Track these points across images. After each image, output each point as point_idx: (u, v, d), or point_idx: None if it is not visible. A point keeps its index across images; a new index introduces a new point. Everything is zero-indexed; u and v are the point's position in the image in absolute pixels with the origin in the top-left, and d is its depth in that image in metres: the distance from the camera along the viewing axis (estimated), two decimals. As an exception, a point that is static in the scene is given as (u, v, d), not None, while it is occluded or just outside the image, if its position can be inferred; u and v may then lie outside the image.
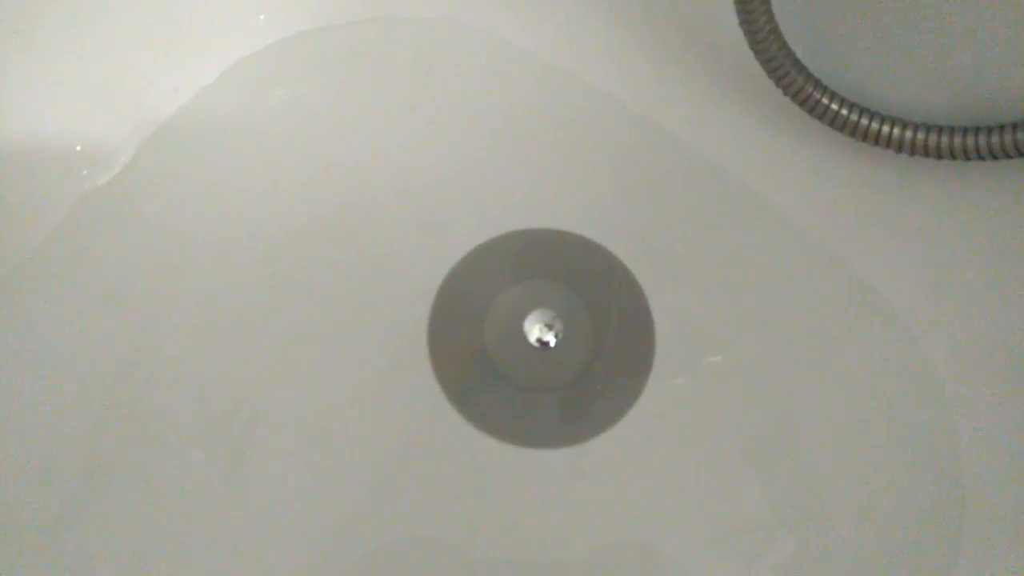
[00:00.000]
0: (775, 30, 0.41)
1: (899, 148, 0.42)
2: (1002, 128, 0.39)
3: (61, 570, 0.43)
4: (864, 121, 0.42)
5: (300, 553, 0.44)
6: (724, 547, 0.45)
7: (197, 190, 0.50)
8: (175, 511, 0.44)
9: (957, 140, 0.40)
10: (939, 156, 0.41)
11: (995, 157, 0.39)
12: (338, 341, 0.48)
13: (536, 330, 0.47)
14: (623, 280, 0.49)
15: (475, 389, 0.48)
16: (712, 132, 0.50)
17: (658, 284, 0.49)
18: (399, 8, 0.52)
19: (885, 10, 0.42)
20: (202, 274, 0.48)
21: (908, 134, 0.41)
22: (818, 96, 0.42)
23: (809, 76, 0.42)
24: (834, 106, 0.42)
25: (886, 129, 0.42)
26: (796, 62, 0.42)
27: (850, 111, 0.42)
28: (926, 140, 0.41)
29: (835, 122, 0.43)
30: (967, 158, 0.40)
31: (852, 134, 0.43)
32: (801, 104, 0.43)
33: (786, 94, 0.43)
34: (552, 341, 0.47)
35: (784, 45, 0.41)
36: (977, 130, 0.40)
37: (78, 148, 0.48)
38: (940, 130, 0.41)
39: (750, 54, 0.42)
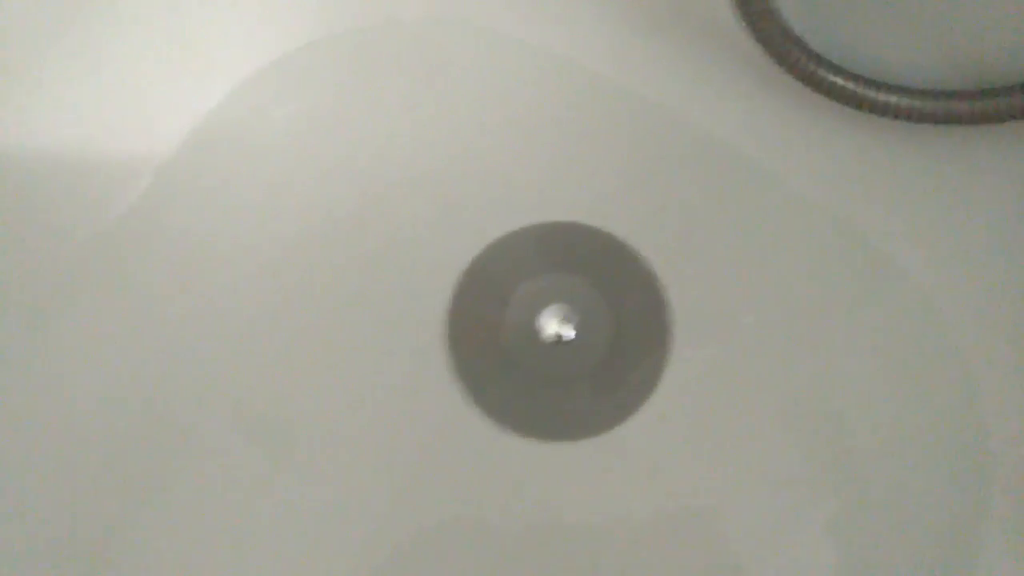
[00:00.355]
0: (769, 7, 0.40)
1: (905, 116, 0.41)
2: (1010, 89, 0.38)
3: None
4: (867, 92, 0.42)
5: (347, 540, 0.47)
6: (770, 505, 0.47)
7: (217, 206, 0.51)
8: (223, 513, 0.47)
9: (963, 104, 0.39)
10: (945, 122, 0.40)
11: (1001, 120, 0.39)
12: (361, 340, 0.49)
13: (554, 324, 0.48)
14: (635, 266, 0.50)
15: (495, 384, 0.49)
16: (717, 112, 0.50)
17: (670, 266, 0.49)
18: (398, 11, 0.52)
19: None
20: (228, 285, 0.50)
21: (912, 102, 0.41)
22: (817, 69, 0.42)
23: (808, 51, 0.42)
24: (835, 78, 0.42)
25: (891, 99, 0.41)
26: (794, 37, 0.42)
27: (850, 82, 0.42)
28: (932, 107, 0.41)
29: (838, 95, 0.42)
30: (974, 122, 0.40)
31: (856, 106, 0.42)
32: (803, 80, 0.42)
33: (785, 70, 0.42)
34: (571, 334, 0.48)
35: (780, 22, 0.41)
36: (983, 93, 0.39)
37: (95, 179, 0.50)
38: (944, 95, 0.40)
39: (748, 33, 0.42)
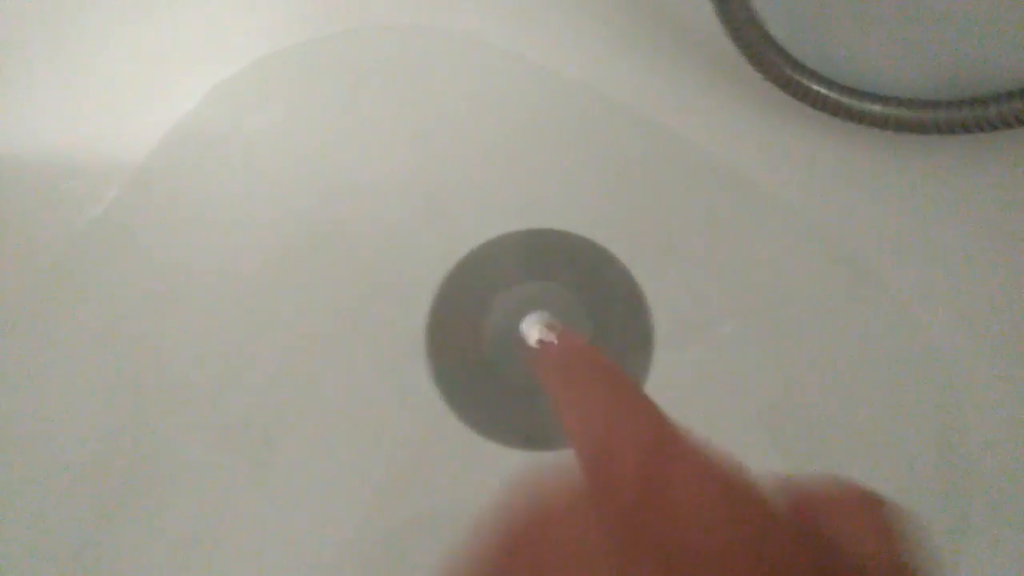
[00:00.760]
0: (751, 18, 0.41)
1: (885, 125, 0.42)
2: (985, 100, 0.39)
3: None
4: (847, 100, 0.42)
5: (326, 541, 0.46)
6: None
7: (191, 214, 0.50)
8: (204, 522, 0.46)
9: (941, 114, 0.40)
10: (923, 131, 0.41)
11: (980, 129, 0.39)
12: (340, 348, 0.49)
13: (535, 331, 0.48)
14: (616, 273, 0.50)
15: (474, 392, 0.48)
16: (699, 120, 0.50)
17: (652, 273, 0.49)
18: (375, 18, 0.52)
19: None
20: (202, 293, 0.49)
21: (893, 111, 0.41)
22: (800, 79, 0.42)
23: (790, 60, 0.42)
24: (816, 87, 0.42)
25: (870, 107, 0.42)
26: (776, 47, 0.42)
27: (833, 91, 0.42)
28: (909, 116, 0.41)
29: (819, 103, 0.42)
30: (952, 132, 0.40)
31: (836, 114, 0.42)
32: (784, 88, 0.42)
33: (769, 80, 0.42)
34: (553, 342, 0.47)
35: (762, 31, 0.41)
36: (960, 103, 0.39)
37: (67, 185, 0.48)
38: (923, 105, 0.40)
39: (731, 41, 0.42)
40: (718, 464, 0.19)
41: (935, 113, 0.40)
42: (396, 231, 0.51)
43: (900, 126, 0.42)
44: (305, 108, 0.52)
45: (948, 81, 0.41)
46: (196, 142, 0.51)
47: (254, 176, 0.51)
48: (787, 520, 0.18)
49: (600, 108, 0.51)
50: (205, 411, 0.48)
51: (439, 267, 0.50)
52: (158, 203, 0.50)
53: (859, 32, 0.43)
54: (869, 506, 0.19)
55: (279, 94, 0.52)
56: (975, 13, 0.39)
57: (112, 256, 0.49)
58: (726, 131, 0.49)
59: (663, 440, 0.20)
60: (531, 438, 0.48)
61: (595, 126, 0.51)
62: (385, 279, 0.50)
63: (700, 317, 0.49)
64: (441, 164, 0.51)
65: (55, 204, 0.48)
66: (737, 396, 0.48)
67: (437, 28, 0.52)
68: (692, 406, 0.48)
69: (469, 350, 0.49)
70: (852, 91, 0.42)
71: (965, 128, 0.39)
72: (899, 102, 0.41)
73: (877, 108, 0.42)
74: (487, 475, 0.48)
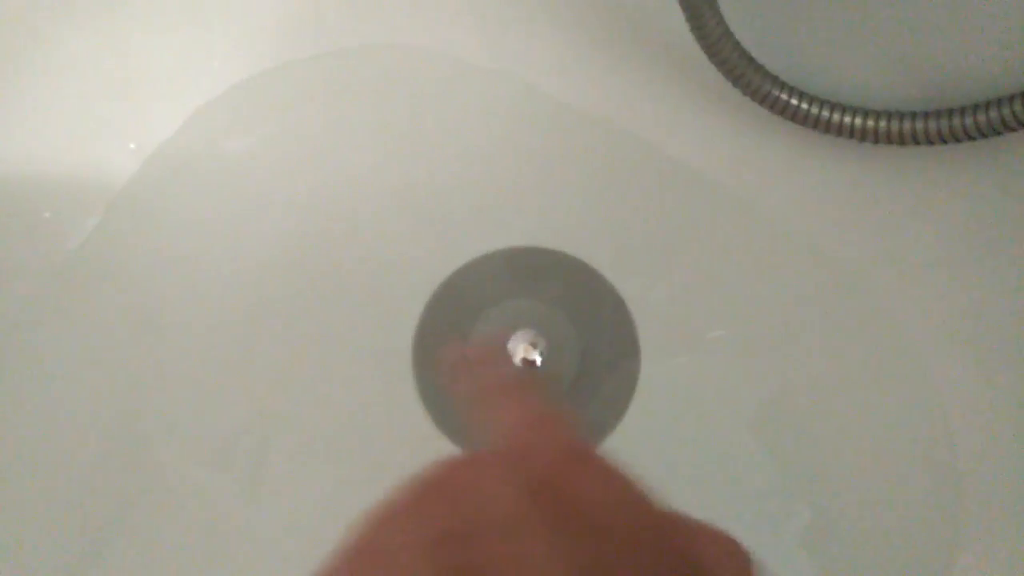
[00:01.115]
0: (726, 33, 0.41)
1: (861, 137, 0.42)
2: (962, 110, 0.39)
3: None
4: (824, 113, 0.42)
5: (317, 558, 0.45)
6: (745, 518, 0.46)
7: (174, 238, 0.50)
8: (191, 541, 0.46)
9: (919, 125, 0.40)
10: (901, 142, 0.41)
11: (957, 140, 0.39)
12: (328, 366, 0.49)
13: (521, 350, 0.48)
14: (602, 289, 0.50)
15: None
16: (679, 133, 0.50)
17: (638, 289, 0.49)
18: (352, 39, 0.52)
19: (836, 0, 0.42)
20: (187, 313, 0.49)
21: (869, 123, 0.41)
22: (776, 93, 0.42)
23: (766, 74, 0.42)
24: (793, 101, 0.42)
25: (847, 120, 0.42)
26: (751, 61, 0.42)
27: (809, 105, 0.42)
28: (887, 128, 0.41)
29: (796, 117, 0.42)
30: (929, 142, 0.40)
31: (814, 127, 0.43)
32: (760, 102, 0.42)
33: (745, 94, 0.42)
34: (538, 360, 0.47)
35: (737, 46, 0.41)
36: (938, 114, 0.39)
37: (46, 215, 0.48)
38: (901, 116, 0.40)
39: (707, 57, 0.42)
40: (622, 472, 0.22)
41: (912, 124, 0.40)
42: (383, 249, 0.51)
43: (879, 137, 0.42)
44: (286, 130, 0.52)
45: (927, 92, 0.41)
46: (177, 167, 0.51)
47: (237, 199, 0.51)
48: (669, 523, 0.22)
49: (584, 126, 0.51)
50: (195, 431, 0.48)
51: (426, 285, 0.50)
52: (140, 229, 0.50)
53: (837, 44, 0.43)
54: (739, 551, 0.23)
55: (260, 117, 0.52)
56: (949, 26, 0.39)
57: (95, 283, 0.49)
58: (706, 144, 0.50)
59: (576, 445, 0.23)
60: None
61: (579, 144, 0.51)
62: (373, 297, 0.50)
63: (687, 332, 0.49)
64: (427, 183, 0.52)
65: (35, 233, 0.48)
66: (726, 403, 0.48)
67: (415, 47, 0.52)
68: (682, 414, 0.48)
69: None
70: (830, 103, 0.42)
71: (941, 138, 0.40)
72: (877, 113, 0.41)
73: (855, 121, 0.42)
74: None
